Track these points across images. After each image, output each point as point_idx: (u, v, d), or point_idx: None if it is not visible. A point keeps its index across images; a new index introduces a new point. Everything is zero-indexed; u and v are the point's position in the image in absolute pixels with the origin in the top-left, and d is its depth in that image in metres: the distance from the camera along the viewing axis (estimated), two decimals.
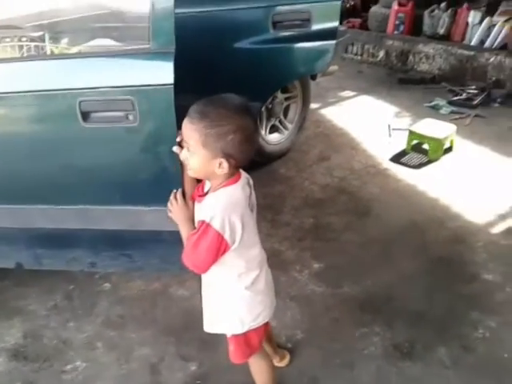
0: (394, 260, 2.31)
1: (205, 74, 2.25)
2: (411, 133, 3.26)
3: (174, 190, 1.32)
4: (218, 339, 1.87)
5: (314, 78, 3.23)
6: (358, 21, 5.62)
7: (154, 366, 1.80)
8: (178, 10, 2.22)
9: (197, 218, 1.22)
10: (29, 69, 1.49)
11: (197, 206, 1.26)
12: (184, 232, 1.26)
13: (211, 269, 1.22)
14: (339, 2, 2.37)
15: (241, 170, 1.24)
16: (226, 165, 1.13)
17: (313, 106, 3.50)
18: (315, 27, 2.36)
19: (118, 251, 1.82)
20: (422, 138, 3.22)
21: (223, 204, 1.16)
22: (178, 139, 1.23)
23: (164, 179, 1.40)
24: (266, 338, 1.57)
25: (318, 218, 2.64)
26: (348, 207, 2.73)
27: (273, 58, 2.42)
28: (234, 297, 1.31)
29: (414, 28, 5.12)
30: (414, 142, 3.27)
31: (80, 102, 1.39)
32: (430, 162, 3.17)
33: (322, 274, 2.23)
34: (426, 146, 3.24)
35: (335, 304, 2.06)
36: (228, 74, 2.32)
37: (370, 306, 2.04)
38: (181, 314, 2.03)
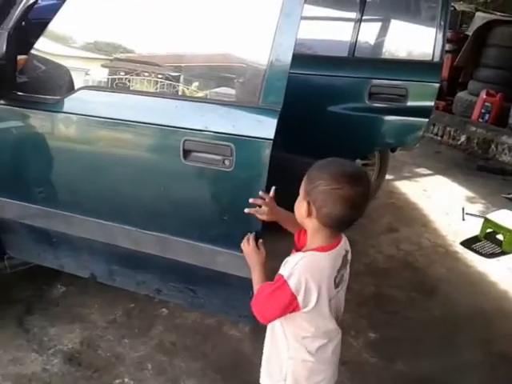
0: (454, 346, 2.21)
1: (297, 132, 2.39)
2: (487, 220, 3.18)
3: (248, 234, 1.39)
4: None
5: (393, 150, 3.28)
6: (442, 103, 5.67)
7: None
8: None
9: (281, 267, 1.19)
10: (157, 104, 1.66)
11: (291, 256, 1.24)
12: (254, 275, 1.29)
13: (280, 324, 1.22)
14: (437, 85, 2.45)
15: (342, 243, 1.21)
16: (313, 211, 1.13)
17: (387, 177, 3.52)
18: (411, 103, 2.45)
19: (185, 284, 1.87)
20: (498, 227, 3.12)
21: (305, 267, 1.13)
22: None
23: (243, 226, 1.46)
24: None
25: (379, 287, 2.60)
26: (412, 283, 2.67)
27: (364, 125, 2.52)
28: (295, 358, 1.24)
29: (500, 119, 5.08)
30: (489, 230, 3.18)
31: (184, 141, 1.52)
32: (503, 253, 3.05)
33: (377, 344, 2.17)
34: (500, 237, 3.13)
35: (387, 378, 1.99)
36: (318, 134, 2.45)
37: None
38: (230, 354, 2.05)
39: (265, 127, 1.42)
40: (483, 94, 5.18)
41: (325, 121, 2.49)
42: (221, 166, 1.49)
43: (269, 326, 1.30)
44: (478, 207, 3.70)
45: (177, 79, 1.74)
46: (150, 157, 1.68)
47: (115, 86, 1.73)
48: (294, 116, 2.46)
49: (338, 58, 2.66)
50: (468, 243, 3.15)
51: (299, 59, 2.43)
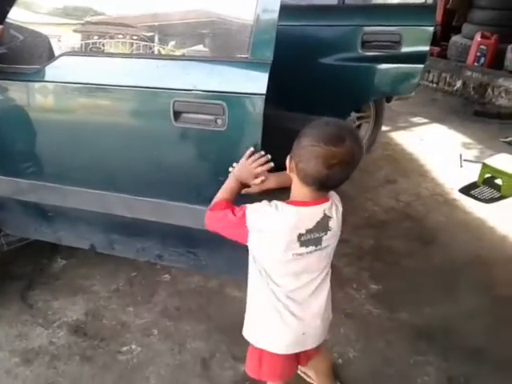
0: (455, 293, 2.23)
1: (287, 86, 2.31)
2: (485, 166, 3.15)
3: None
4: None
5: (388, 100, 3.21)
6: (436, 49, 5.53)
7: (206, 361, 1.84)
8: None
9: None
10: (134, 66, 1.59)
11: None
12: (228, 182, 1.33)
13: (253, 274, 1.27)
14: (432, 28, 2.36)
15: (322, 206, 1.20)
16: (293, 166, 1.16)
17: (383, 128, 3.46)
18: (405, 50, 2.36)
19: (186, 248, 1.87)
20: (497, 172, 3.10)
21: (269, 206, 1.18)
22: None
23: None
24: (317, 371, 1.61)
25: (379, 239, 2.60)
26: (411, 233, 2.67)
27: (358, 75, 2.44)
28: (256, 304, 1.32)
29: (496, 62, 4.97)
30: (487, 175, 3.16)
31: (174, 102, 1.46)
32: (501, 197, 3.04)
33: (380, 296, 2.19)
34: (498, 181, 3.12)
35: (391, 328, 2.01)
36: (310, 88, 2.37)
37: (427, 335, 1.98)
38: (234, 315, 2.04)
39: (256, 82, 1.37)
40: (478, 37, 5.05)
41: (317, 73, 2.41)
42: (213, 126, 1.46)
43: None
44: (475, 153, 3.67)
45: (161, 38, 1.67)
46: (140, 121, 1.64)
47: (95, 50, 1.67)
48: (284, 70, 2.40)
49: (328, 6, 2.54)
50: (466, 190, 3.14)
51: (287, 10, 2.36)
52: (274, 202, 1.19)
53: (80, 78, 1.60)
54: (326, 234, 1.22)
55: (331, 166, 1.09)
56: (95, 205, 1.83)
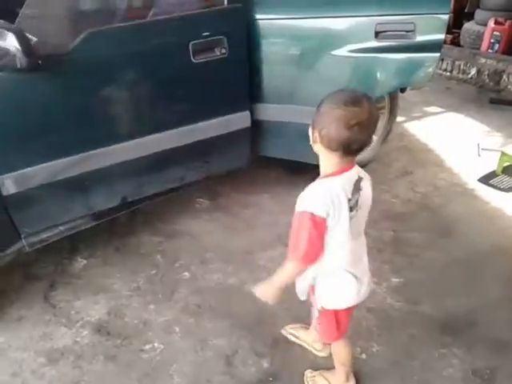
0: (478, 284, 2.20)
1: (300, 77, 2.30)
2: (504, 154, 3.10)
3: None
4: (289, 341, 1.90)
5: (402, 90, 3.17)
6: (449, 36, 5.44)
7: (229, 358, 1.84)
8: (282, 16, 2.28)
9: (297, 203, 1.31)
10: None
11: None
12: (277, 280, 1.44)
13: None
14: (447, 16, 2.31)
15: (353, 170, 1.29)
16: (317, 136, 1.24)
17: (398, 119, 3.41)
18: (420, 39, 2.31)
19: (202, 160, 2.37)
20: None
21: (316, 192, 1.27)
22: None
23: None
24: None
25: (398, 231, 2.58)
26: (431, 224, 2.64)
27: (372, 67, 2.41)
28: (327, 271, 1.39)
29: (511, 47, 4.87)
30: (506, 164, 3.10)
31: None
32: None
33: (401, 289, 2.17)
34: None
35: (413, 321, 2.00)
36: (324, 81, 2.35)
37: (450, 327, 1.96)
38: (255, 311, 2.06)
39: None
40: (491, 23, 4.95)
41: (330, 66, 2.38)
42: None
43: None
44: (493, 141, 3.60)
45: None
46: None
47: None
48: (296, 64, 2.39)
49: None
50: (485, 179, 3.09)
51: (300, 3, 2.34)
52: (318, 184, 1.28)
53: None
54: (359, 195, 1.30)
55: (352, 126, 1.16)
56: (132, 153, 2.12)
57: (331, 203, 1.24)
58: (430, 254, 2.39)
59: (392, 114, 3.21)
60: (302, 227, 1.27)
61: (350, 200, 1.26)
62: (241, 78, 2.31)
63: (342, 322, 1.50)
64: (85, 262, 2.38)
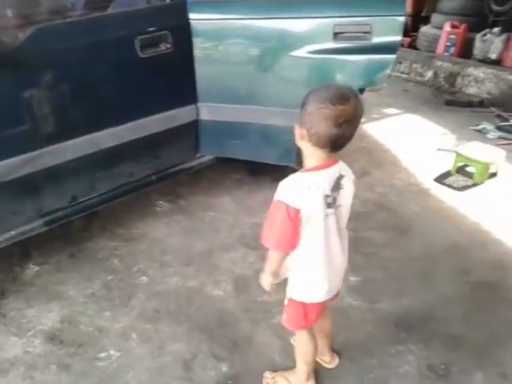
0: (433, 280, 2.25)
1: (259, 80, 2.31)
2: (458, 154, 3.19)
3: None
4: (250, 341, 1.89)
5: (361, 92, 3.21)
6: (407, 40, 5.57)
7: (187, 363, 1.81)
8: (239, 16, 2.29)
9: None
10: None
11: None
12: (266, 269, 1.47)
13: None
14: (402, 18, 2.35)
15: (336, 166, 1.32)
16: (304, 133, 1.25)
17: None
18: (376, 40, 2.34)
19: (150, 155, 2.45)
20: (469, 160, 3.15)
21: (293, 183, 1.30)
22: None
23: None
24: (321, 329, 1.70)
25: (357, 231, 2.60)
26: (388, 223, 2.69)
27: (331, 68, 2.43)
28: (301, 263, 1.43)
29: (465, 51, 5.03)
30: (460, 163, 3.20)
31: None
32: (474, 185, 3.08)
33: (360, 287, 2.20)
34: (471, 169, 3.16)
35: (371, 319, 2.02)
36: (282, 81, 2.36)
37: (407, 324, 2.00)
38: (215, 314, 2.04)
39: None
40: (447, 27, 5.10)
41: (289, 67, 2.39)
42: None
43: None
44: (449, 142, 3.70)
45: None
46: None
47: None
48: (255, 63, 2.40)
49: None
50: (441, 179, 3.17)
51: (255, 3, 2.34)
52: (299, 177, 1.31)
53: None
54: (338, 194, 1.33)
55: (341, 124, 1.19)
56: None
57: (307, 197, 1.27)
58: (388, 253, 2.43)
59: None
60: (277, 216, 1.30)
61: (327, 196, 1.29)
62: (185, 72, 2.33)
63: (308, 314, 1.52)
64: (37, 268, 2.29)
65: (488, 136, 3.82)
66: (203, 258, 2.37)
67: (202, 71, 2.40)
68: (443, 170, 3.25)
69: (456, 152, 3.22)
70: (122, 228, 2.60)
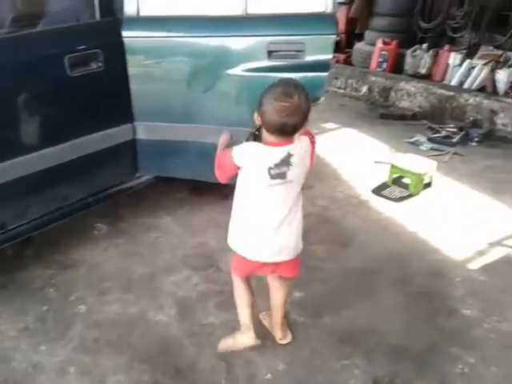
0: (375, 292, 2.31)
1: (192, 98, 2.30)
2: (393, 166, 3.32)
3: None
4: (195, 367, 1.85)
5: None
6: (342, 56, 5.77)
7: None
8: (174, 34, 2.28)
9: None
10: None
11: None
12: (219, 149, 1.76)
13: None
14: (333, 36, 2.43)
15: (286, 147, 1.54)
16: (260, 120, 1.53)
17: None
18: (309, 58, 2.40)
19: (85, 177, 2.35)
20: (404, 172, 3.28)
21: (247, 147, 1.59)
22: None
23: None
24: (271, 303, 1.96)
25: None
26: (331, 236, 2.74)
27: (266, 86, 2.46)
28: (235, 219, 1.73)
29: (397, 66, 5.27)
30: (395, 175, 3.33)
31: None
32: (410, 195, 3.21)
33: (304, 303, 2.21)
34: (406, 180, 3.30)
35: (316, 335, 2.03)
36: (218, 98, 2.36)
37: (351, 337, 2.02)
38: (158, 341, 1.98)
39: None
40: (379, 43, 5.33)
41: (225, 85, 2.40)
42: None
43: None
44: (384, 154, 3.84)
45: None
46: None
47: None
48: (190, 81, 2.40)
49: (232, 16, 2.54)
50: (378, 190, 3.28)
51: (191, 22, 2.34)
52: (253, 145, 1.58)
53: None
54: (289, 169, 1.57)
55: (283, 116, 1.46)
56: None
57: (249, 160, 1.57)
58: (331, 266, 2.47)
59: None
60: (223, 157, 1.65)
61: (271, 168, 1.55)
62: (119, 91, 2.27)
63: (238, 263, 1.80)
64: None
65: (421, 148, 4.00)
66: (145, 283, 2.30)
67: (137, 90, 2.36)
68: (380, 182, 3.37)
69: (391, 164, 3.35)
70: (58, 254, 2.48)
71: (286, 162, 1.55)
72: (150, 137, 2.48)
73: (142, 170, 2.61)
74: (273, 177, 1.56)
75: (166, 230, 2.74)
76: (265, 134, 1.56)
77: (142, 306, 2.15)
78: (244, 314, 1.86)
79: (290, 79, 1.54)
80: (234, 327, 1.94)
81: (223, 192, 3.04)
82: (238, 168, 1.59)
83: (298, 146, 1.57)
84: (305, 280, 2.34)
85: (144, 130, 2.46)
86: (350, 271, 2.45)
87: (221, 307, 2.14)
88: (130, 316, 2.10)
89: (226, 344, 1.90)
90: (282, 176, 1.57)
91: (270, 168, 1.54)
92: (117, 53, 2.21)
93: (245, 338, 1.85)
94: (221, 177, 1.70)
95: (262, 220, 1.64)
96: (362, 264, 2.51)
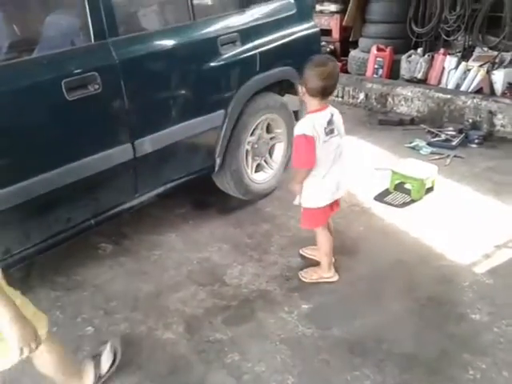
0: (382, 300, 2.30)
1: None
2: (394, 173, 3.32)
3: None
4: None
5: (297, 118, 3.31)
6: (338, 64, 5.79)
7: None
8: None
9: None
10: None
11: None
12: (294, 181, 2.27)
13: None
14: None
15: (327, 109, 2.13)
16: (305, 89, 2.07)
17: None
18: None
19: (87, 198, 2.33)
20: (405, 178, 3.28)
21: (305, 121, 2.12)
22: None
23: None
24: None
25: (305, 257, 2.63)
26: (335, 246, 2.70)
27: None
28: (310, 180, 2.22)
29: (393, 72, 5.29)
30: (397, 181, 3.32)
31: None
32: (412, 201, 3.20)
33: (311, 314, 2.20)
34: (408, 186, 3.29)
35: (325, 346, 2.03)
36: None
37: (360, 348, 2.02)
38: (166, 359, 1.97)
39: None
40: (374, 50, 5.36)
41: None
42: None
43: None
44: (385, 160, 3.84)
45: None
46: None
47: None
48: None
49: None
50: (380, 197, 3.28)
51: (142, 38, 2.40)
52: (306, 118, 2.12)
53: None
54: (334, 125, 2.14)
55: (323, 79, 2.01)
56: None
57: (313, 128, 2.05)
58: (337, 276, 2.46)
59: (290, 141, 3.32)
60: (300, 144, 2.08)
61: (325, 128, 2.09)
62: (117, 111, 2.27)
63: (320, 216, 2.32)
64: None
65: (421, 152, 4.00)
66: (151, 301, 2.30)
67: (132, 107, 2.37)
68: (382, 189, 3.36)
69: (392, 170, 3.35)
70: (63, 275, 2.48)
71: (331, 121, 2.11)
72: (148, 150, 2.46)
73: (141, 188, 2.60)
74: (327, 134, 2.10)
75: (170, 247, 2.74)
76: (310, 102, 2.09)
77: (150, 325, 2.15)
78: (330, 259, 2.40)
79: (322, 55, 1.99)
80: (241, 343, 1.92)
81: (224, 205, 3.08)
82: (313, 140, 2.05)
83: (332, 108, 2.16)
84: (312, 292, 2.35)
85: (142, 146, 2.45)
86: (356, 280, 2.44)
87: (228, 322, 2.14)
88: (138, 335, 2.10)
89: (311, 277, 2.41)
90: (332, 131, 2.12)
91: (324, 128, 2.08)
92: (113, 73, 2.20)
93: (330, 274, 2.40)
94: (309, 160, 2.10)
95: (328, 167, 2.17)
96: (369, 272, 2.50)
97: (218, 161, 2.85)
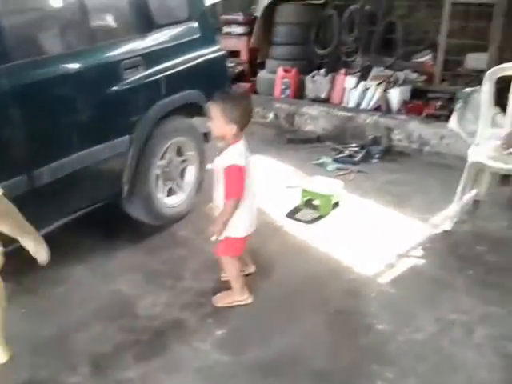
0: (296, 317, 2.34)
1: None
2: (304, 190, 3.43)
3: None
4: None
5: (207, 140, 3.32)
6: (247, 85, 5.91)
7: None
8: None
9: (224, 161, 2.16)
10: None
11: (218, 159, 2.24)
12: (219, 221, 2.21)
13: None
14: None
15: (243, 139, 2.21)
16: (232, 122, 2.09)
17: (209, 166, 3.53)
18: None
19: None
20: (313, 194, 3.39)
21: (237, 150, 2.16)
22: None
23: None
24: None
25: (213, 280, 2.60)
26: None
27: None
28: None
29: (299, 91, 5.50)
30: (306, 198, 3.43)
31: None
32: (321, 217, 3.32)
33: (226, 340, 2.18)
34: (317, 202, 3.41)
35: (239, 372, 2.01)
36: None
37: (275, 370, 2.03)
38: None
39: None
40: (280, 71, 5.54)
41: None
42: None
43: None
44: (295, 178, 3.95)
45: None
46: None
47: None
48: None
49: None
50: (291, 214, 3.37)
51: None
52: (234, 148, 2.16)
53: None
54: (248, 153, 2.24)
55: (250, 110, 2.21)
56: None
57: (244, 158, 2.15)
58: (252, 297, 2.46)
59: (201, 164, 3.32)
60: (235, 175, 2.10)
61: (247, 157, 2.18)
62: (11, 141, 2.18)
63: (241, 246, 2.37)
64: None
65: (327, 168, 4.17)
66: (55, 343, 2.14)
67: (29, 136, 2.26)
68: (293, 206, 3.45)
69: (302, 188, 3.46)
70: None
71: (247, 149, 2.21)
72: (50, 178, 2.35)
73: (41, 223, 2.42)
74: (247, 163, 2.16)
75: (77, 281, 2.59)
76: (232, 133, 2.10)
77: (54, 369, 2.00)
78: (242, 282, 2.40)
79: (237, 89, 2.05)
80: (154, 380, 1.85)
81: (136, 235, 2.98)
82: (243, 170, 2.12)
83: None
84: (226, 316, 2.33)
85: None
86: (271, 300, 2.46)
87: (138, 358, 2.05)
88: (40, 381, 1.94)
89: (225, 301, 2.39)
90: (248, 159, 2.20)
91: (246, 157, 2.17)
92: None
93: (244, 296, 2.40)
94: (242, 190, 2.13)
95: (252, 195, 2.26)
96: (282, 291, 2.53)
97: (125, 187, 2.76)
